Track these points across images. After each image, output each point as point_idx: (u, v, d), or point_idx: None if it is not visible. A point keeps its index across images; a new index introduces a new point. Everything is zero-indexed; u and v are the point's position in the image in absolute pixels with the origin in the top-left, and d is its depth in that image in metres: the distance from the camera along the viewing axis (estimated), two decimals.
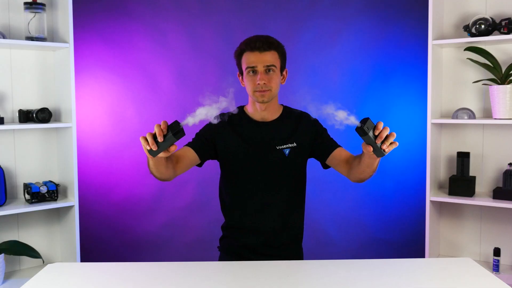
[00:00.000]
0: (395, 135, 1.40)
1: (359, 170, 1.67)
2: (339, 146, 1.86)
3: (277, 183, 1.82)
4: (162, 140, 1.38)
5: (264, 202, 1.81)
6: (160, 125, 1.39)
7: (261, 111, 1.83)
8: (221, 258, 1.93)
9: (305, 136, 1.85)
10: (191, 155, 1.80)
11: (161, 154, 1.45)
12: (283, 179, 1.83)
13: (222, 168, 1.89)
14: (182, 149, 1.82)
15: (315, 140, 1.87)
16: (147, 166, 1.62)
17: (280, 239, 1.84)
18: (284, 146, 1.81)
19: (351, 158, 1.78)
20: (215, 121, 1.76)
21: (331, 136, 1.92)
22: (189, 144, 1.84)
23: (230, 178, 1.86)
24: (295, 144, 1.83)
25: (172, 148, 1.43)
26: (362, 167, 1.64)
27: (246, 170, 1.82)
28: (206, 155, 1.85)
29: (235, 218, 1.87)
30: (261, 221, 1.82)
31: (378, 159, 1.56)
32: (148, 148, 1.40)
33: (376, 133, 1.39)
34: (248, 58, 1.74)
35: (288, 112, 1.90)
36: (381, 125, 1.39)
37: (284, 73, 1.82)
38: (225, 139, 1.83)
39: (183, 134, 1.38)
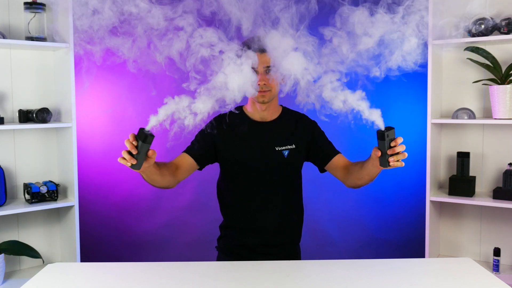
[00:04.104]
0: (406, 155, 1.45)
1: (358, 175, 1.70)
2: (338, 152, 1.88)
3: (275, 183, 1.82)
4: (136, 151, 1.41)
5: (262, 203, 1.82)
6: (129, 139, 1.41)
7: (261, 111, 1.83)
8: (219, 258, 1.93)
9: (303, 138, 1.86)
10: (189, 161, 1.81)
11: (145, 164, 1.46)
12: (282, 180, 1.83)
13: (221, 168, 1.90)
14: (180, 156, 1.83)
15: (313, 143, 1.87)
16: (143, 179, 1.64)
17: (278, 239, 1.84)
18: (284, 148, 1.82)
19: (349, 164, 1.81)
20: (213, 126, 1.77)
21: (329, 139, 1.93)
22: (187, 150, 1.85)
23: (229, 178, 1.87)
24: (294, 146, 1.83)
25: (151, 153, 1.45)
26: (362, 173, 1.67)
27: (245, 170, 1.82)
28: (205, 160, 1.85)
29: (234, 218, 1.87)
30: (260, 221, 1.82)
31: (379, 170, 1.59)
32: (129, 164, 1.42)
33: (392, 145, 1.43)
34: None
35: (287, 113, 1.91)
36: (399, 140, 1.44)
37: None
38: (224, 140, 1.83)
39: (152, 136, 1.41)
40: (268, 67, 1.73)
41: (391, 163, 1.45)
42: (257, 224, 1.82)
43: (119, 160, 1.43)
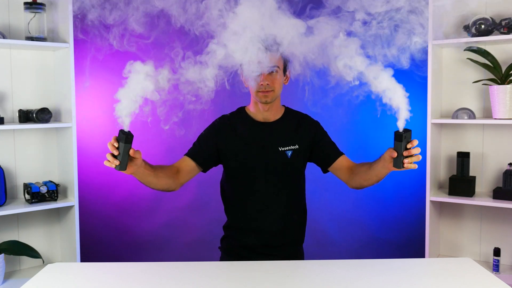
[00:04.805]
0: (420, 158, 1.47)
1: (366, 176, 1.71)
2: (341, 154, 1.88)
3: (278, 184, 1.82)
4: (118, 153, 1.45)
5: (265, 203, 1.82)
6: (110, 142, 1.46)
7: (263, 111, 1.83)
8: (222, 259, 1.93)
9: (306, 138, 1.86)
10: (190, 164, 1.81)
11: (133, 165, 1.50)
12: (285, 180, 1.83)
13: (224, 169, 1.89)
14: (182, 159, 1.83)
15: (316, 144, 1.87)
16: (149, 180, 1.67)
17: (280, 240, 1.84)
18: (287, 148, 1.82)
19: (354, 166, 1.82)
20: (220, 124, 1.76)
21: (332, 139, 1.92)
22: (189, 153, 1.84)
23: (232, 178, 1.86)
24: (297, 146, 1.83)
25: (132, 153, 1.48)
26: (370, 174, 1.68)
27: (248, 171, 1.82)
28: (208, 163, 1.85)
29: (237, 219, 1.87)
30: (263, 221, 1.82)
31: (388, 171, 1.61)
32: (113, 166, 1.46)
33: (408, 147, 1.46)
34: None
35: (289, 113, 1.91)
36: (415, 143, 1.46)
37: (287, 73, 1.83)
38: (227, 141, 1.83)
39: (131, 136, 1.46)
40: (272, 67, 1.73)
41: (405, 165, 1.48)
42: (259, 224, 1.82)
43: (105, 163, 1.47)
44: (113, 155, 1.46)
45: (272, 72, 1.74)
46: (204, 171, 1.87)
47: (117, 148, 1.45)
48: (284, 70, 1.81)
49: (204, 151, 1.83)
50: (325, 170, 1.91)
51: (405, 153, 1.47)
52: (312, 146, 1.87)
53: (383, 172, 1.63)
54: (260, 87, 1.74)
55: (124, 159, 1.46)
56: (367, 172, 1.71)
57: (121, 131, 1.45)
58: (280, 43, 1.73)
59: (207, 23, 1.56)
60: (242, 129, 1.84)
